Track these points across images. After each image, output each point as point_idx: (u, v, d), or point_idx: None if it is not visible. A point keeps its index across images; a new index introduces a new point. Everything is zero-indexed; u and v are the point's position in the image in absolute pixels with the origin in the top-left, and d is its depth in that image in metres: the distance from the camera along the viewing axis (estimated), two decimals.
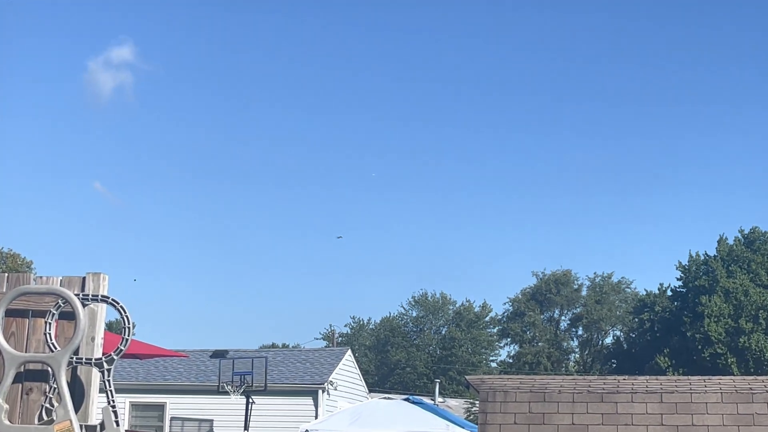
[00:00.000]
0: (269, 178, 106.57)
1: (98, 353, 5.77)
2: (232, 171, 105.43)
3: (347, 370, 37.95)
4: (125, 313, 5.78)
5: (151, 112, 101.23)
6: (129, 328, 5.77)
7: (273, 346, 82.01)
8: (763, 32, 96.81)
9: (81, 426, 5.57)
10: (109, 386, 5.69)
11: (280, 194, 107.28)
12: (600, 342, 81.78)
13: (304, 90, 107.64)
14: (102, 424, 5.67)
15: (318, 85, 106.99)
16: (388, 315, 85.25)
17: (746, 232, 66.52)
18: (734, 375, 55.30)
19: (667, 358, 62.12)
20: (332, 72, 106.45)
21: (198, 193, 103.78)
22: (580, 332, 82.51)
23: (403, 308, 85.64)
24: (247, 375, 28.29)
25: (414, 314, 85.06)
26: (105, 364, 5.68)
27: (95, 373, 5.74)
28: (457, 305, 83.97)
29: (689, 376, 11.94)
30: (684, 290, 66.33)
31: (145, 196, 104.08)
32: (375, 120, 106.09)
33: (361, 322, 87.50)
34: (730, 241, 66.16)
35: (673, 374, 58.72)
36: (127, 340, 5.69)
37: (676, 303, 66.31)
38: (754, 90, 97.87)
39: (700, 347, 60.61)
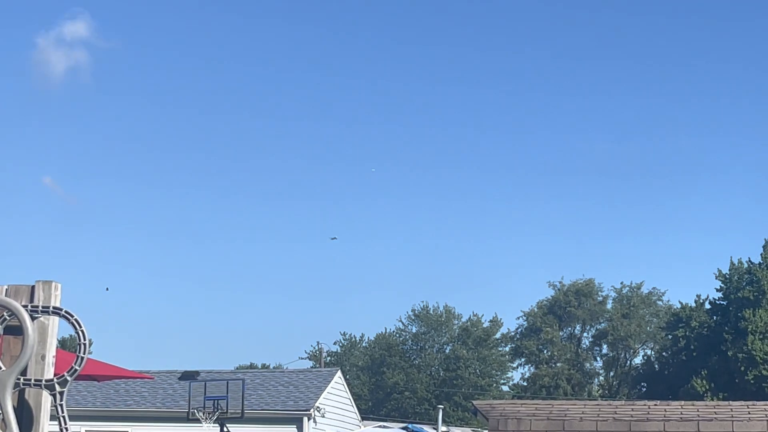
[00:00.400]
0: (249, 178, 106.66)
1: (49, 374, 5.71)
2: (206, 165, 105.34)
3: (337, 395, 37.98)
4: (80, 327, 5.74)
5: (111, 96, 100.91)
6: (85, 344, 5.74)
7: (251, 366, 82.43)
8: None
9: None
10: (62, 412, 5.69)
11: (260, 195, 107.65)
12: (628, 362, 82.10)
13: (286, 80, 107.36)
14: None
15: (301, 75, 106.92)
16: (384, 331, 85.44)
17: None
18: None
19: (704, 381, 62.43)
20: (314, 61, 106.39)
21: (167, 191, 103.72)
22: (604, 351, 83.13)
23: (402, 323, 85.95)
24: (221, 400, 28.26)
25: (414, 330, 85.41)
26: (57, 387, 5.64)
27: (46, 397, 5.68)
28: (463, 320, 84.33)
29: (730, 402, 11.91)
30: (725, 303, 66.61)
31: (104, 193, 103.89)
32: (368, 122, 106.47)
33: (353, 339, 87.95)
34: None
35: (712, 399, 57.86)
36: (82, 358, 5.72)
37: (715, 317, 66.71)
38: None
39: (743, 368, 60.76)
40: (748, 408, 11.26)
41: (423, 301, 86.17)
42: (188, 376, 33.18)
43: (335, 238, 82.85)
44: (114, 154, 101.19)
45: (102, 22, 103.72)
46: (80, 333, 5.79)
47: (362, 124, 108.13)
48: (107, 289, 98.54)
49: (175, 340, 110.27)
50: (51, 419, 5.89)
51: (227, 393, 28.48)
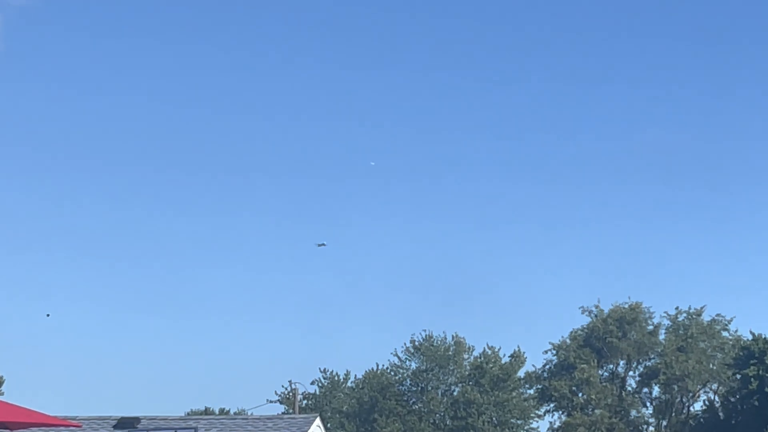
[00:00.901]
0: (203, 191, 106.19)
1: None
2: (145, 152, 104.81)
3: None
4: None
5: (24, 63, 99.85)
6: None
7: (206, 412, 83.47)
8: None
9: None
10: None
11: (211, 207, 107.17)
12: (685, 408, 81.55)
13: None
14: None
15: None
16: (376, 368, 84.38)
17: None
18: None
19: None
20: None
21: (97, 187, 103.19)
22: (655, 394, 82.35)
23: (398, 358, 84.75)
24: None
25: (413, 367, 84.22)
26: None
27: None
28: (475, 354, 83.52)
29: None
30: None
31: (15, 190, 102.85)
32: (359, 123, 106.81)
33: (336, 378, 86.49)
34: None
35: None
36: None
37: None
38: None
39: None
40: None
41: (425, 330, 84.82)
42: (126, 423, 32.33)
43: (324, 244, 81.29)
44: (28, 141, 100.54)
45: None
46: None
47: (356, 128, 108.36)
48: (48, 315, 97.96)
49: (111, 379, 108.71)
50: None
51: None
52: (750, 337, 70.68)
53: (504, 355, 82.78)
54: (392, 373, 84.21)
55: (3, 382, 64.83)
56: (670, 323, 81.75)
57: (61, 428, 34.59)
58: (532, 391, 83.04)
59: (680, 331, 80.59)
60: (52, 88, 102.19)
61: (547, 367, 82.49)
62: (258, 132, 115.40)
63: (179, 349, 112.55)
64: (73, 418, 33.65)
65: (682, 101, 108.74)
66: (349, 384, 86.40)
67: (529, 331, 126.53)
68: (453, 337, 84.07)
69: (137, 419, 32.94)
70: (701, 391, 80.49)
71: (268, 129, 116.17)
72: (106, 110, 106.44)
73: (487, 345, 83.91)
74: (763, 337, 68.67)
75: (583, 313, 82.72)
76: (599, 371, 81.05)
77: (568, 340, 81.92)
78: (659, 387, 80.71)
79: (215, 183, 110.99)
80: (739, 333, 78.23)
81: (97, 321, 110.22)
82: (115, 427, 33.81)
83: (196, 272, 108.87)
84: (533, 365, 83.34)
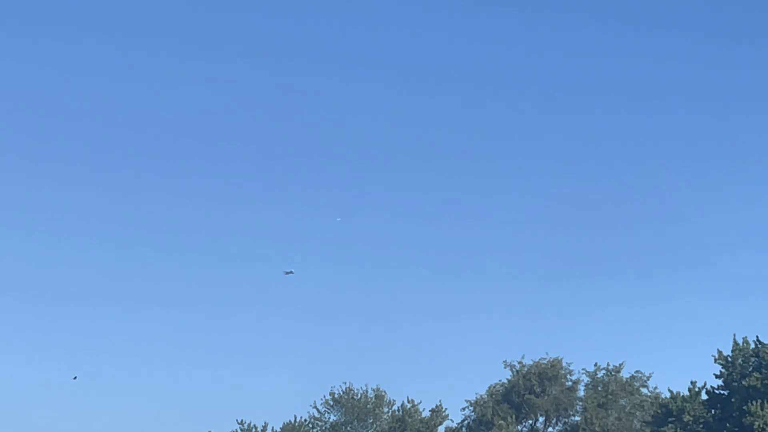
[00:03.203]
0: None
1: None
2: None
3: None
4: None
5: None
6: None
7: None
8: None
9: None
10: None
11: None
12: None
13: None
14: None
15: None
16: (294, 420, 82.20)
17: None
18: None
19: None
20: None
21: None
22: None
23: (317, 410, 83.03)
24: None
25: (332, 419, 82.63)
26: None
27: None
28: (395, 407, 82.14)
29: None
30: (726, 392, 66.23)
31: None
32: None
33: (253, 430, 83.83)
34: None
35: None
36: None
37: (714, 410, 66.37)
38: None
39: None
40: None
41: (345, 382, 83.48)
42: None
43: (291, 272, 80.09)
44: None
45: None
46: None
47: None
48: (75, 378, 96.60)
49: None
50: None
51: None
52: (668, 395, 69.32)
53: (424, 409, 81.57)
54: (310, 426, 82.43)
55: None
56: (590, 379, 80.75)
57: None
58: None
59: (600, 388, 79.55)
60: None
61: (466, 422, 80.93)
62: None
63: (90, 391, 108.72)
64: None
65: (593, 160, 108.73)
66: None
67: (450, 386, 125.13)
68: (374, 390, 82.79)
69: None
70: None
71: None
72: None
73: (407, 398, 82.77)
74: (681, 395, 67.47)
75: (506, 367, 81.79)
76: (518, 428, 79.29)
77: (485, 397, 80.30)
78: None
79: None
80: (658, 390, 77.64)
81: None
82: None
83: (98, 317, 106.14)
84: (451, 420, 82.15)
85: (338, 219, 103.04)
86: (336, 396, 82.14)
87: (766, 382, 62.03)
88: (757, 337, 65.39)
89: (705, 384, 67.00)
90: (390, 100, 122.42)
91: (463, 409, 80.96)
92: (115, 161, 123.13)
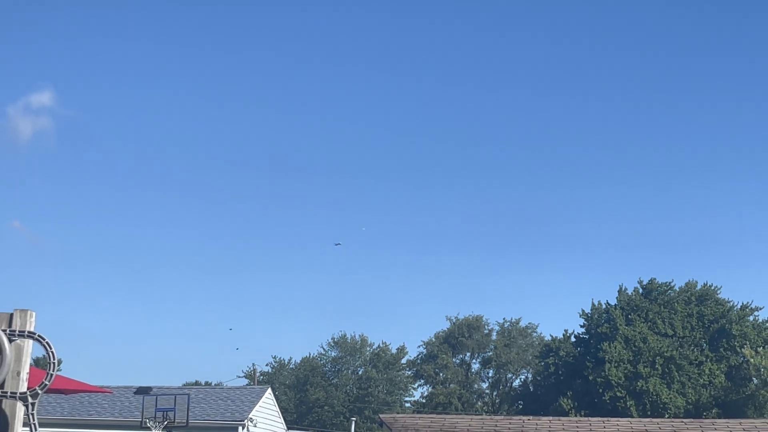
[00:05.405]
0: (189, 216, 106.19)
1: (23, 387, 5.63)
2: (152, 210, 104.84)
3: (267, 408, 37.57)
4: (51, 349, 5.67)
5: (71, 153, 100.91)
6: (54, 363, 5.65)
7: (196, 383, 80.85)
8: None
9: None
10: (33, 420, 5.60)
11: (199, 233, 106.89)
12: (509, 384, 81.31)
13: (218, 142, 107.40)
14: None
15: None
16: (309, 355, 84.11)
17: (645, 282, 67.36)
18: (632, 417, 55.73)
19: (570, 401, 62.43)
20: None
21: (119, 232, 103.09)
22: (490, 374, 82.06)
23: (323, 349, 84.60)
24: (170, 411, 27.96)
25: (333, 355, 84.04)
26: (29, 398, 5.55)
27: (20, 407, 5.58)
28: (374, 347, 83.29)
29: (590, 418, 12.04)
30: (587, 336, 66.77)
31: (66, 234, 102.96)
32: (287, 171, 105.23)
33: (282, 362, 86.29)
34: (630, 291, 67.01)
35: (576, 416, 59.40)
36: (51, 375, 5.66)
37: (579, 348, 66.58)
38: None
39: (601, 390, 61.02)
40: (604, 423, 11.41)
41: (341, 331, 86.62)
42: (142, 390, 32.15)
43: (339, 243, 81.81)
44: (73, 201, 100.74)
45: (64, 93, 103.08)
46: (50, 353, 5.73)
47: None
48: (231, 329, 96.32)
49: (133, 359, 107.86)
50: (24, 426, 5.80)
51: (175, 406, 28.26)
52: (549, 338, 70.02)
53: (393, 348, 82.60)
54: (319, 359, 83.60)
55: (61, 362, 64.51)
56: (500, 328, 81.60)
57: (99, 394, 36.31)
58: (410, 373, 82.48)
59: (506, 334, 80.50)
60: (91, 177, 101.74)
61: (420, 356, 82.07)
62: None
63: (182, 336, 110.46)
64: (107, 386, 33.90)
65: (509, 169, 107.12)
66: (291, 366, 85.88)
67: (410, 331, 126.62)
68: (360, 335, 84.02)
69: (150, 388, 32.90)
70: (519, 373, 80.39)
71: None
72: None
73: (382, 341, 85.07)
74: (558, 338, 67.97)
75: (447, 320, 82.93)
76: (453, 360, 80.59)
77: (433, 339, 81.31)
78: (492, 370, 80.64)
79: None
80: (543, 335, 78.09)
81: (130, 318, 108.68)
82: (135, 393, 34.30)
83: (196, 284, 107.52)
84: (411, 355, 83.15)
85: (364, 228, 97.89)
86: (335, 340, 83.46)
87: (612, 330, 62.51)
88: (607, 300, 66.13)
89: (573, 331, 67.78)
90: None
91: (419, 347, 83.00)
92: None
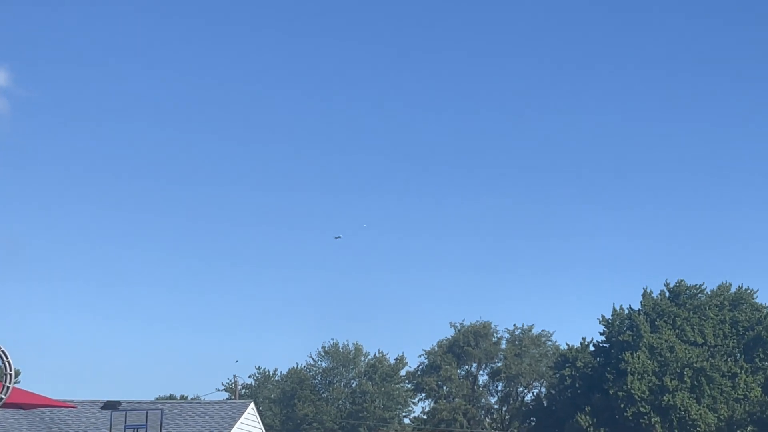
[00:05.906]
0: (170, 218, 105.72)
1: None
2: (125, 204, 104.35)
3: (249, 425, 37.39)
4: (7, 358, 6.72)
5: (28, 141, 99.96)
6: (11, 375, 6.25)
7: (170, 397, 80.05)
8: None
9: None
10: None
11: (177, 236, 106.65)
12: (520, 398, 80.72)
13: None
14: None
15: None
16: (296, 366, 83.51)
17: (672, 285, 67.37)
18: None
19: (588, 417, 62.34)
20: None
21: (87, 229, 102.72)
22: (499, 387, 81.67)
23: (313, 359, 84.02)
24: (141, 428, 28.12)
25: (323, 365, 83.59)
26: None
27: None
28: (370, 357, 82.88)
29: None
30: (607, 345, 66.90)
31: (31, 232, 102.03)
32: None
33: (267, 373, 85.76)
34: (655, 295, 66.93)
35: None
36: (8, 387, 6.87)
37: (598, 358, 66.74)
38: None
39: (622, 405, 60.94)
40: None
41: (333, 339, 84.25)
42: (110, 405, 31.87)
43: (339, 237, 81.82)
44: (42, 194, 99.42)
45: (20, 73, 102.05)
46: (6, 363, 5.90)
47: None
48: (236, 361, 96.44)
49: (99, 371, 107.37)
50: None
51: (146, 422, 28.17)
52: (565, 347, 70.26)
53: (391, 358, 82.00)
54: (308, 371, 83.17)
55: (19, 374, 64.02)
56: (509, 336, 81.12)
57: (62, 408, 35.12)
58: (410, 385, 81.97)
59: (516, 342, 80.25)
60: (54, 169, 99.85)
61: (421, 367, 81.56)
62: None
63: (153, 346, 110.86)
64: (71, 401, 33.32)
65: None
66: (276, 378, 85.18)
67: (410, 340, 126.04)
68: (354, 344, 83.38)
69: (119, 402, 32.78)
70: (532, 386, 79.73)
71: None
72: None
73: (378, 350, 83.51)
74: (575, 347, 68.17)
75: (451, 327, 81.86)
76: (458, 371, 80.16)
77: (436, 348, 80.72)
78: (502, 383, 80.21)
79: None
80: (558, 344, 78.13)
81: (95, 328, 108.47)
82: (102, 408, 33.90)
83: (171, 292, 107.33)
84: (411, 366, 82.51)
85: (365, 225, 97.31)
86: (326, 349, 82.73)
87: (635, 338, 62.58)
88: (630, 305, 65.93)
89: (592, 339, 67.48)
90: None
91: (419, 356, 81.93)
92: None
